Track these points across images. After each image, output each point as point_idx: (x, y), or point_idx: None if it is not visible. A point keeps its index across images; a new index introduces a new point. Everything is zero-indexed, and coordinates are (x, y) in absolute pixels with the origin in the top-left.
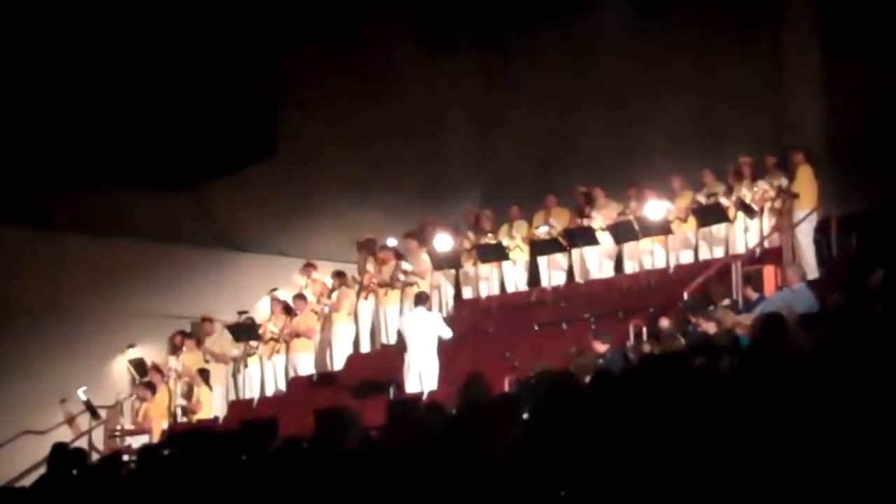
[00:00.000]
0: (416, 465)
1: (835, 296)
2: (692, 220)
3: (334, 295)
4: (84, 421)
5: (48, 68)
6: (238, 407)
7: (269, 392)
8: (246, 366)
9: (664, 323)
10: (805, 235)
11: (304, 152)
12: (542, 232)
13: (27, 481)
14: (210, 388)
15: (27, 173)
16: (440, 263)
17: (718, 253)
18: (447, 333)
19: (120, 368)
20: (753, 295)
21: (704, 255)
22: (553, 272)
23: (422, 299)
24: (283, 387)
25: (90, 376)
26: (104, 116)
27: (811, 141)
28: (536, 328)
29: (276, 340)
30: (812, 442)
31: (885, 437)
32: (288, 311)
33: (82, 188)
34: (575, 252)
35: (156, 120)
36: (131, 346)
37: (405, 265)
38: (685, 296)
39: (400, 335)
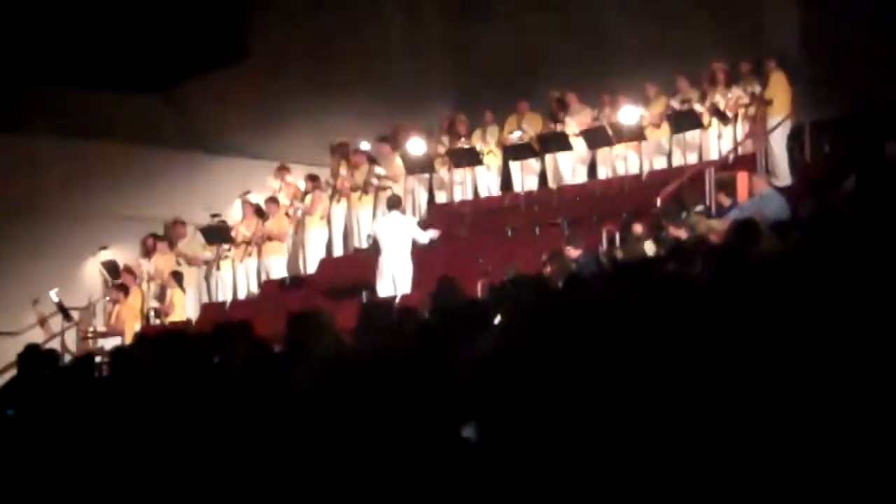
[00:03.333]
0: (387, 368)
1: (807, 202)
2: (666, 126)
3: (307, 198)
4: (56, 322)
5: None
6: (211, 309)
7: (242, 295)
8: (218, 269)
9: (637, 228)
10: (778, 142)
11: (276, 53)
12: (514, 137)
13: None
14: (183, 290)
15: None
16: (413, 168)
17: (692, 159)
18: (424, 238)
19: (92, 270)
20: (726, 201)
21: (678, 161)
22: (526, 177)
23: (395, 202)
24: (255, 290)
25: (62, 278)
26: (74, 15)
27: (785, 47)
28: (509, 233)
29: (249, 243)
30: (783, 346)
31: (854, 340)
32: (260, 214)
33: (52, 88)
34: (548, 157)
35: (128, 17)
36: (104, 248)
37: (378, 169)
38: (658, 202)
39: (373, 239)
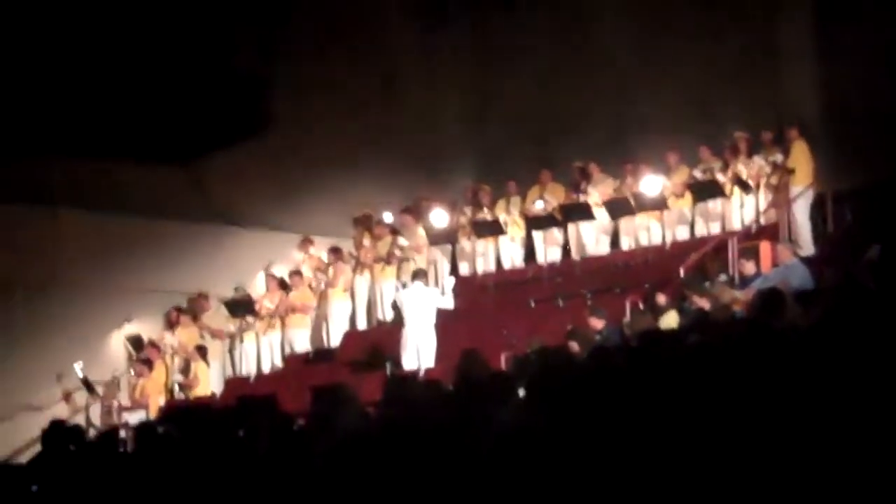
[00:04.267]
0: (412, 441)
1: (831, 271)
2: (688, 196)
3: (330, 270)
4: (81, 397)
5: (43, 43)
6: (235, 383)
7: (266, 368)
8: (242, 342)
9: (661, 299)
10: (801, 211)
11: (299, 126)
12: (537, 207)
13: (24, 458)
14: (207, 364)
15: (24, 148)
16: (436, 239)
17: (715, 229)
18: (449, 303)
19: (117, 344)
20: (751, 270)
21: (701, 230)
22: (549, 248)
23: (419, 275)
24: (279, 363)
25: (87, 352)
26: (100, 90)
27: (807, 116)
28: (533, 304)
29: (272, 316)
30: (808, 418)
31: (879, 414)
32: (284, 286)
33: (79, 163)
34: (571, 228)
35: (151, 93)
36: (128, 321)
37: (401, 240)
38: (682, 272)
39: (397, 310)
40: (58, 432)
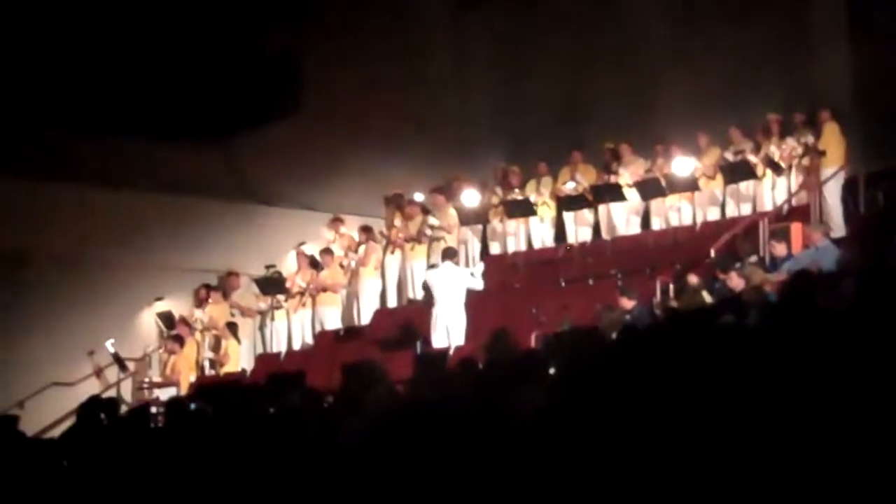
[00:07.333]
0: (442, 419)
1: (862, 253)
2: (719, 177)
3: (361, 249)
4: (112, 373)
5: (77, 19)
6: (265, 360)
7: (296, 346)
8: (273, 319)
9: (693, 279)
10: (832, 193)
11: (331, 106)
12: (568, 188)
13: (55, 433)
14: (238, 340)
15: (56, 126)
16: (467, 219)
17: (746, 210)
18: (479, 285)
19: (148, 321)
20: (782, 252)
21: (732, 212)
22: (580, 228)
23: (449, 254)
24: (309, 340)
25: (118, 329)
26: (131, 68)
27: (839, 98)
28: (563, 284)
29: (303, 294)
30: (841, 400)
31: None
32: (315, 265)
33: (110, 141)
34: (602, 208)
35: (183, 72)
36: (159, 298)
37: (432, 220)
38: (712, 253)
39: (427, 289)
40: (93, 406)
